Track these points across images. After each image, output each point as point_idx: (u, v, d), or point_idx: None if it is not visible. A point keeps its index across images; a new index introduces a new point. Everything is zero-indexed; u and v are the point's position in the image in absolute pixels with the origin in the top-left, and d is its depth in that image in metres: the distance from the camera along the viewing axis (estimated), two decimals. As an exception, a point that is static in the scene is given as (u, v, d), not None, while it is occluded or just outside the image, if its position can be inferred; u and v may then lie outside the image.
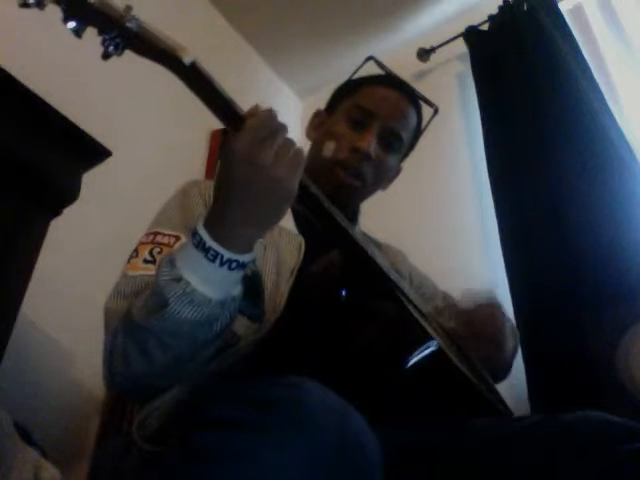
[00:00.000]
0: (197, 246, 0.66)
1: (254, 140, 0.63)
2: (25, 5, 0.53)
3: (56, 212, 1.13)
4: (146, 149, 1.84)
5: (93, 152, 1.16)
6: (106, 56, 0.58)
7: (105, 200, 1.59)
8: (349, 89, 1.14)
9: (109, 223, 1.60)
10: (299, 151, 0.66)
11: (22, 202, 1.06)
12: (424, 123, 1.18)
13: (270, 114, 0.65)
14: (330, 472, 0.51)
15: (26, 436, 0.97)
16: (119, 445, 0.79)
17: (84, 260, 1.50)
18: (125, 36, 0.58)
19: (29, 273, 1.06)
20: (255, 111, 0.65)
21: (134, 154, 1.74)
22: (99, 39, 0.58)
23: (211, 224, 0.66)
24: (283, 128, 0.65)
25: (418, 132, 1.15)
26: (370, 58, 1.23)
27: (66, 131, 1.11)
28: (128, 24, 0.57)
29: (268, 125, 0.64)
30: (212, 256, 0.65)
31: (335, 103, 1.14)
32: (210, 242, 0.65)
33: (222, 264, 0.65)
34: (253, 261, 0.87)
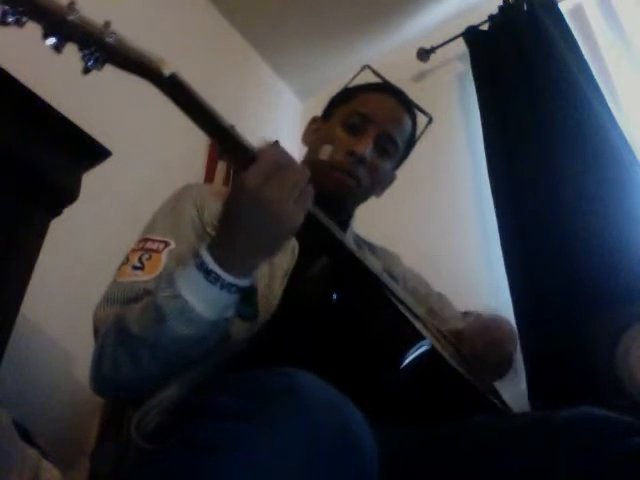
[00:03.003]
0: (199, 268, 0.69)
1: (263, 176, 0.65)
2: (3, 23, 0.53)
3: (56, 212, 1.13)
4: (146, 149, 1.84)
5: (93, 152, 1.16)
6: (86, 71, 0.59)
7: (105, 200, 1.59)
8: (345, 96, 1.16)
9: (109, 223, 1.61)
10: (307, 188, 0.69)
11: (22, 202, 1.07)
12: (418, 132, 1.19)
13: (280, 151, 0.68)
14: (327, 461, 0.52)
15: (26, 436, 0.98)
16: (118, 445, 0.80)
17: (84, 260, 1.51)
18: (104, 51, 0.59)
19: (29, 273, 1.07)
20: (265, 148, 0.68)
21: (134, 154, 1.74)
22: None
23: (214, 249, 0.69)
24: (292, 164, 0.68)
25: (412, 140, 1.17)
26: (366, 67, 1.24)
27: (66, 131, 1.11)
28: (107, 39, 0.58)
29: (277, 162, 0.67)
30: (213, 279, 0.68)
31: (331, 110, 1.16)
32: (212, 265, 0.68)
33: (222, 287, 0.68)
34: None
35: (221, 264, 0.68)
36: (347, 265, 0.89)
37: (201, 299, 0.68)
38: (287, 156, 0.68)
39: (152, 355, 0.72)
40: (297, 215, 0.68)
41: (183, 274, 0.70)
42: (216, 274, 0.68)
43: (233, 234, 0.69)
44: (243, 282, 0.70)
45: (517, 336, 1.14)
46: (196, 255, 0.70)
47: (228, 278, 0.68)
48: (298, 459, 0.51)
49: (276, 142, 0.70)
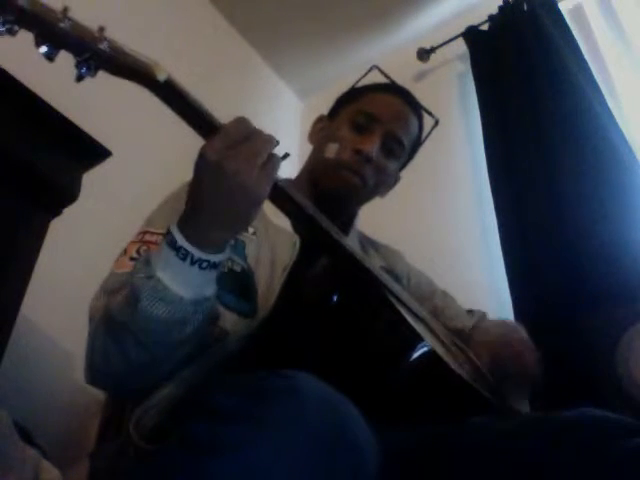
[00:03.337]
0: (170, 245, 0.68)
1: (222, 147, 0.64)
2: None
3: (56, 212, 1.13)
4: (146, 149, 1.84)
5: (93, 152, 1.16)
6: (79, 78, 0.59)
7: (105, 200, 1.59)
8: (352, 96, 1.16)
9: (109, 223, 1.60)
10: (272, 157, 0.67)
11: (22, 202, 1.06)
12: (424, 134, 1.19)
13: (241, 121, 0.66)
14: (326, 461, 0.52)
15: (26, 436, 0.97)
16: (118, 445, 0.80)
17: (84, 260, 1.50)
18: (97, 58, 0.58)
19: (29, 273, 1.06)
20: (229, 122, 0.66)
21: (134, 154, 1.74)
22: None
23: (183, 224, 0.68)
24: (255, 134, 0.66)
25: (418, 142, 1.17)
26: (374, 67, 1.24)
27: (66, 131, 1.11)
28: (100, 46, 0.58)
29: (238, 132, 0.65)
30: (183, 255, 0.67)
31: (338, 109, 1.16)
32: (181, 241, 0.67)
33: (193, 263, 0.67)
34: (244, 258, 0.88)
35: (189, 239, 0.67)
36: (347, 267, 0.88)
37: (174, 277, 0.67)
38: (250, 127, 0.66)
39: (136, 342, 0.70)
40: (261, 186, 0.66)
41: (157, 254, 0.69)
42: (185, 250, 0.67)
43: (198, 208, 0.67)
44: (214, 257, 0.69)
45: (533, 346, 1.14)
46: (168, 233, 0.69)
47: (197, 253, 0.67)
48: (298, 459, 0.51)
49: (242, 117, 0.67)
